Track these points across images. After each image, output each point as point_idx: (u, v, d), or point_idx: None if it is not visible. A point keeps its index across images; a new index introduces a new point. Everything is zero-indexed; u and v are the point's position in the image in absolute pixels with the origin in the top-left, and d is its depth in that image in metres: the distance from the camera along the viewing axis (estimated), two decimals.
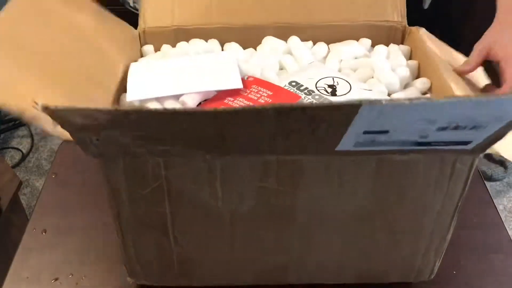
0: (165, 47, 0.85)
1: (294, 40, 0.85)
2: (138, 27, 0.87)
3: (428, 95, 0.74)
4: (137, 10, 1.11)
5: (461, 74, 0.73)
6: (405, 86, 0.77)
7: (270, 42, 0.85)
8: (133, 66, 0.77)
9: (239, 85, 0.73)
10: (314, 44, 0.86)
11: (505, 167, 1.76)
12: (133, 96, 0.71)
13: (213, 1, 0.86)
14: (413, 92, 0.75)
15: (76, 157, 0.61)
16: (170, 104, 0.72)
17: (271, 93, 0.71)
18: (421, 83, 0.77)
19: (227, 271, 0.61)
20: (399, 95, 0.75)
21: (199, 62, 0.77)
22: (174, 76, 0.75)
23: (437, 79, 0.74)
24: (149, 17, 0.87)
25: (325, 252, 0.59)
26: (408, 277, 0.62)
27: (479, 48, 0.71)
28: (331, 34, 0.85)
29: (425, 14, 1.00)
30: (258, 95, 0.71)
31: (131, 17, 1.07)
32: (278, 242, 0.57)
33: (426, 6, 1.07)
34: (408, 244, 0.58)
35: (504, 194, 1.70)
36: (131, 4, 1.13)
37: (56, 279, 0.65)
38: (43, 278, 0.65)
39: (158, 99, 0.72)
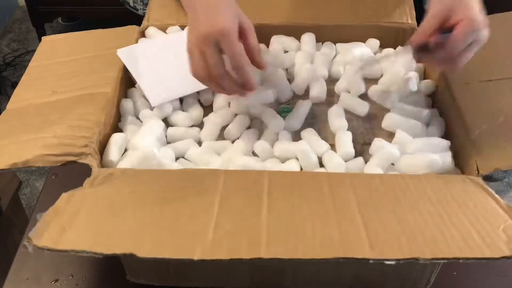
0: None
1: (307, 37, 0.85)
2: (142, 24, 0.87)
3: None
4: (137, 10, 1.11)
5: (415, 44, 0.65)
6: None
7: (280, 41, 0.85)
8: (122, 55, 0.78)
9: None
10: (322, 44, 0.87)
11: None
12: (156, 101, 0.74)
13: None
14: (421, 99, 0.76)
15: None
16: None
17: None
18: (426, 86, 0.77)
19: (223, 274, 0.62)
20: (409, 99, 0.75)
21: None
22: (180, 73, 0.76)
23: (442, 82, 0.75)
24: (153, 16, 0.88)
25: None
26: (404, 287, 0.62)
27: (435, 12, 0.64)
28: (339, 35, 0.86)
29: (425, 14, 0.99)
30: None
31: (131, 17, 1.06)
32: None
33: (426, 6, 1.06)
34: None
35: (504, 194, 1.70)
36: (131, 4, 1.12)
37: (56, 280, 0.65)
38: (43, 279, 0.65)
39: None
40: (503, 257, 0.46)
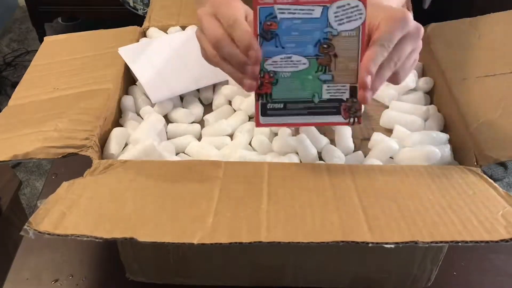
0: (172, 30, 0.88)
1: None
2: (143, 25, 0.88)
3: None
4: (137, 10, 1.12)
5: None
6: None
7: None
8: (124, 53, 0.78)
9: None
10: None
11: (505, 167, 1.76)
12: (157, 98, 0.74)
13: None
14: (420, 96, 0.76)
15: (76, 157, 0.60)
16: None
17: None
18: (425, 82, 0.77)
19: (223, 272, 0.62)
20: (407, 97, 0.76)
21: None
22: (181, 71, 0.77)
23: (440, 79, 0.75)
24: (154, 17, 0.89)
25: (322, 256, 0.59)
26: (404, 285, 0.62)
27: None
28: None
29: (425, 14, 1.00)
30: None
31: (131, 17, 1.07)
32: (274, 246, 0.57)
33: (426, 6, 1.07)
34: (404, 253, 0.58)
35: None
36: (131, 4, 1.13)
37: (56, 280, 0.65)
38: (43, 279, 0.65)
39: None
40: (502, 240, 0.46)
